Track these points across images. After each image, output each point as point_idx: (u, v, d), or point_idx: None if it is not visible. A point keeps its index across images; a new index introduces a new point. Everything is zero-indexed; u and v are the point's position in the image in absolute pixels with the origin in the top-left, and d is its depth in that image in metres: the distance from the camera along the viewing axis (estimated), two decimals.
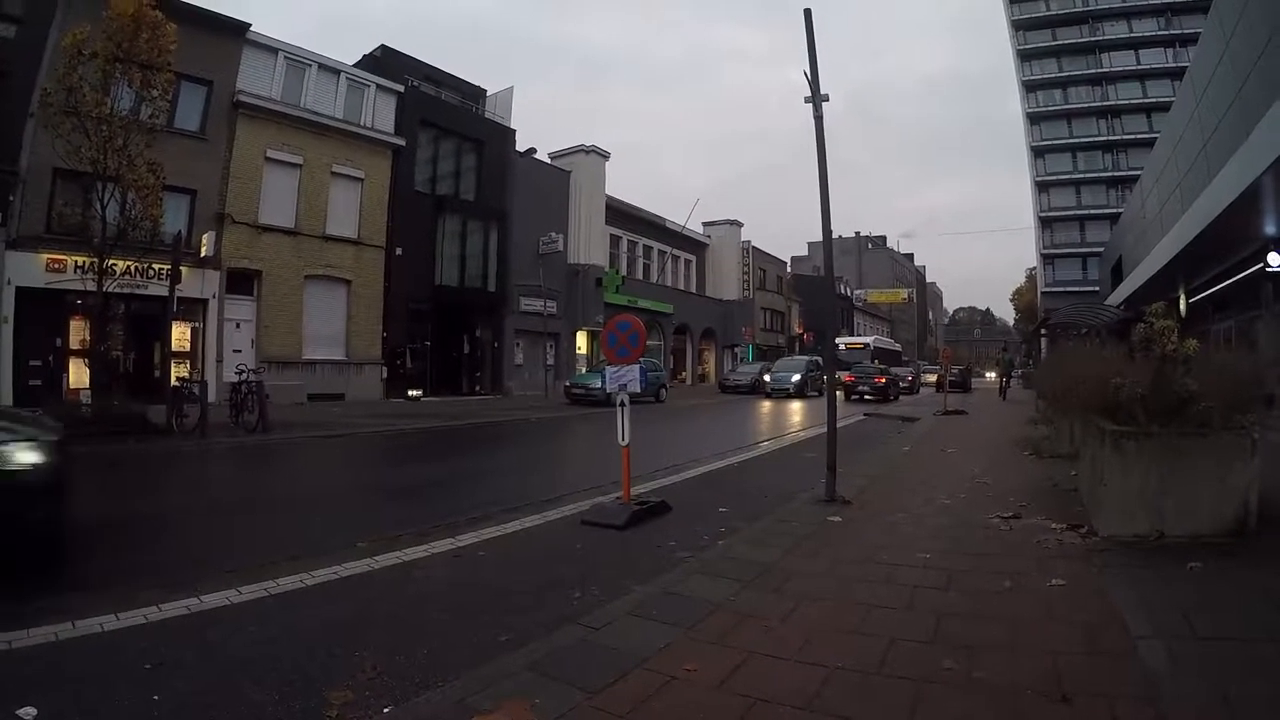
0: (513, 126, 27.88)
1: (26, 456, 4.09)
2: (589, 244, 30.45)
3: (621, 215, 34.06)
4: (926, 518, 5.85)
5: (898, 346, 52.13)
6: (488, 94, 28.27)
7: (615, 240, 33.94)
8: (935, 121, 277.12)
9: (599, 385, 18.75)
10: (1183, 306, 20.00)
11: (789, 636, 3.33)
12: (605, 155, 31.82)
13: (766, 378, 29.85)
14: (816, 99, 6.77)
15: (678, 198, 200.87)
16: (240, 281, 19.71)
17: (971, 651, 3.10)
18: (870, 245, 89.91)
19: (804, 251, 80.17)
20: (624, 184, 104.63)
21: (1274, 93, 10.77)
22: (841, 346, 36.50)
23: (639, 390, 6.56)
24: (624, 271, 33.70)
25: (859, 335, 42.39)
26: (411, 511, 6.60)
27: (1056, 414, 9.93)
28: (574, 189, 30.27)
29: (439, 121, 25.30)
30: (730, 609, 3.72)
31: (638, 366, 6.39)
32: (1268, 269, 13.89)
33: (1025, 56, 62.12)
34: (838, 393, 30.46)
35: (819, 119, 6.80)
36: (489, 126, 27.12)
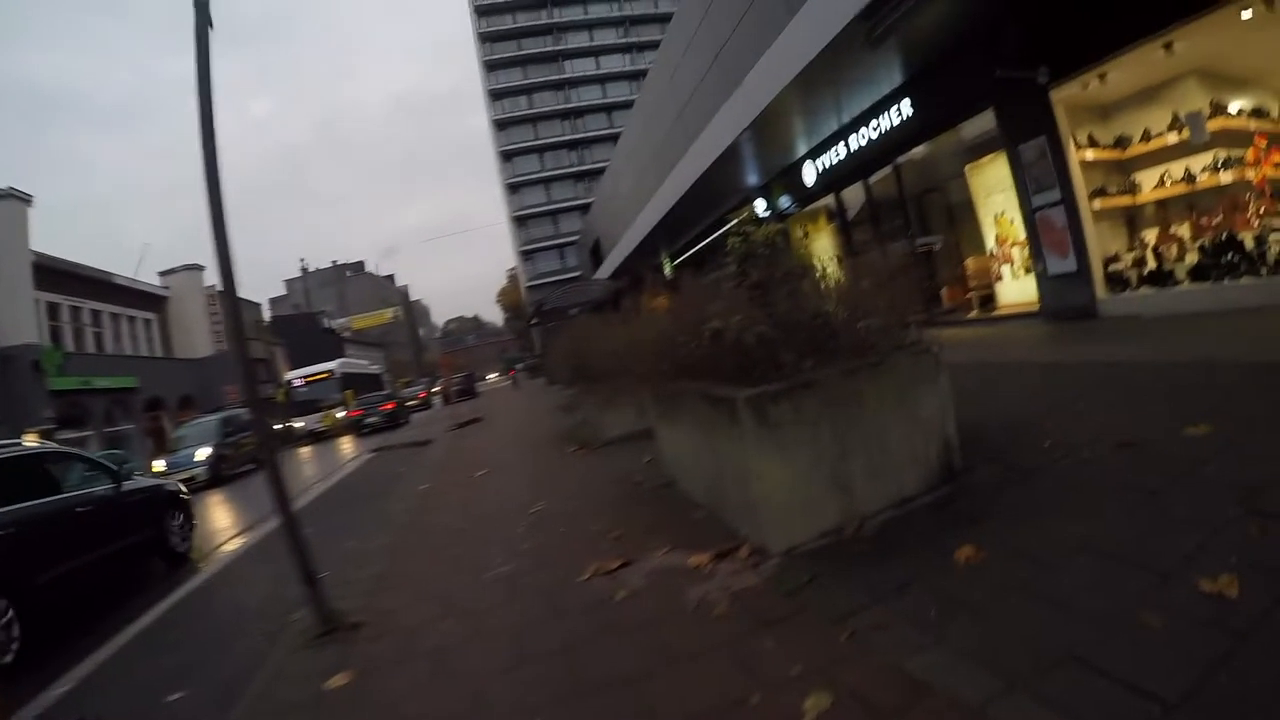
0: None
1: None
2: (16, 318, 22.52)
3: (59, 275, 25.41)
4: (488, 613, 3.40)
5: (375, 368, 45.10)
6: None
7: (54, 309, 25.43)
8: (407, 141, 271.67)
9: None
10: (667, 269, 21.88)
11: None
12: (26, 199, 23.36)
13: (158, 464, 18.35)
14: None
15: (150, 250, 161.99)
16: None
17: None
18: (350, 273, 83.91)
19: (283, 291, 71.90)
20: (83, 246, 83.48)
21: (754, 57, 11.14)
22: (298, 382, 30.71)
23: None
24: (69, 346, 25.45)
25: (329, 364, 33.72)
26: None
27: (593, 394, 8.26)
28: None
29: None
30: None
31: None
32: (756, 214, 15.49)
33: (492, 67, 65.36)
34: (345, 433, 23.81)
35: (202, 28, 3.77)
36: None
